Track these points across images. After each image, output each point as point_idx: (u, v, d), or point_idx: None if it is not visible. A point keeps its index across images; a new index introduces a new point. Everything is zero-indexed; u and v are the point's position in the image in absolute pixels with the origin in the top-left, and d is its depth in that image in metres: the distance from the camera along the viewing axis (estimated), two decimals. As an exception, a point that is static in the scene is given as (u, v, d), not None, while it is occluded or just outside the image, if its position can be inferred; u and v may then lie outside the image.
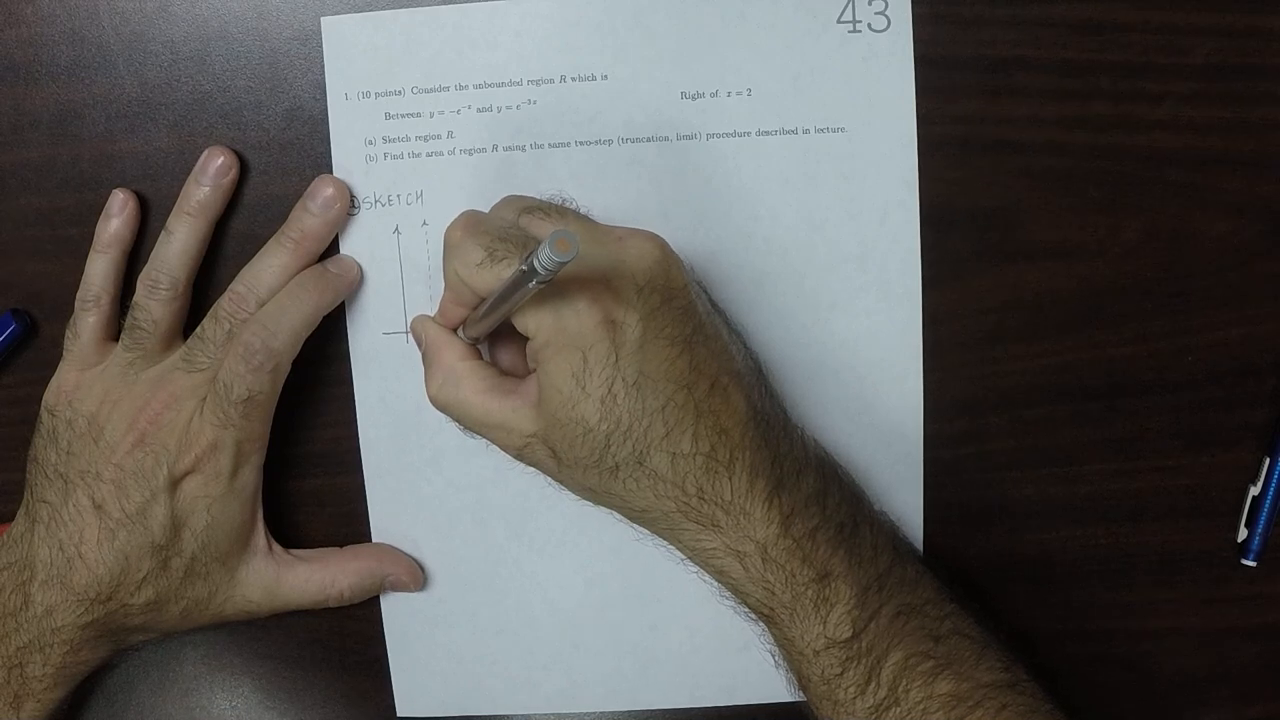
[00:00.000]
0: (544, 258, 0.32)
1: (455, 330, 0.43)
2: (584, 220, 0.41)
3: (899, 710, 0.39)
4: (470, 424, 0.41)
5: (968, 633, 0.41)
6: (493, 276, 0.38)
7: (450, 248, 0.40)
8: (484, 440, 0.41)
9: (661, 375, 0.38)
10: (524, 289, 0.35)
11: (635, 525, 0.41)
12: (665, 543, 0.41)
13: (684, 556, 0.41)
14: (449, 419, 0.42)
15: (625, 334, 0.38)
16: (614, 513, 0.41)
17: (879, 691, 0.39)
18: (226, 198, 0.44)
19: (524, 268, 0.33)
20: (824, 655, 0.39)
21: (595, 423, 0.38)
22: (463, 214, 0.41)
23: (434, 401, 0.42)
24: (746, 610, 0.41)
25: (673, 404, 0.38)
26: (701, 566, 0.41)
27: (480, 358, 0.43)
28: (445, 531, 0.47)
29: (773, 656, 0.42)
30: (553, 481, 0.41)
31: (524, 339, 0.40)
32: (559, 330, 0.38)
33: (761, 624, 0.41)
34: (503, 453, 0.41)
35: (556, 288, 0.36)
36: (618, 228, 0.40)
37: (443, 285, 0.41)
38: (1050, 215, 0.45)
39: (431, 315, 0.44)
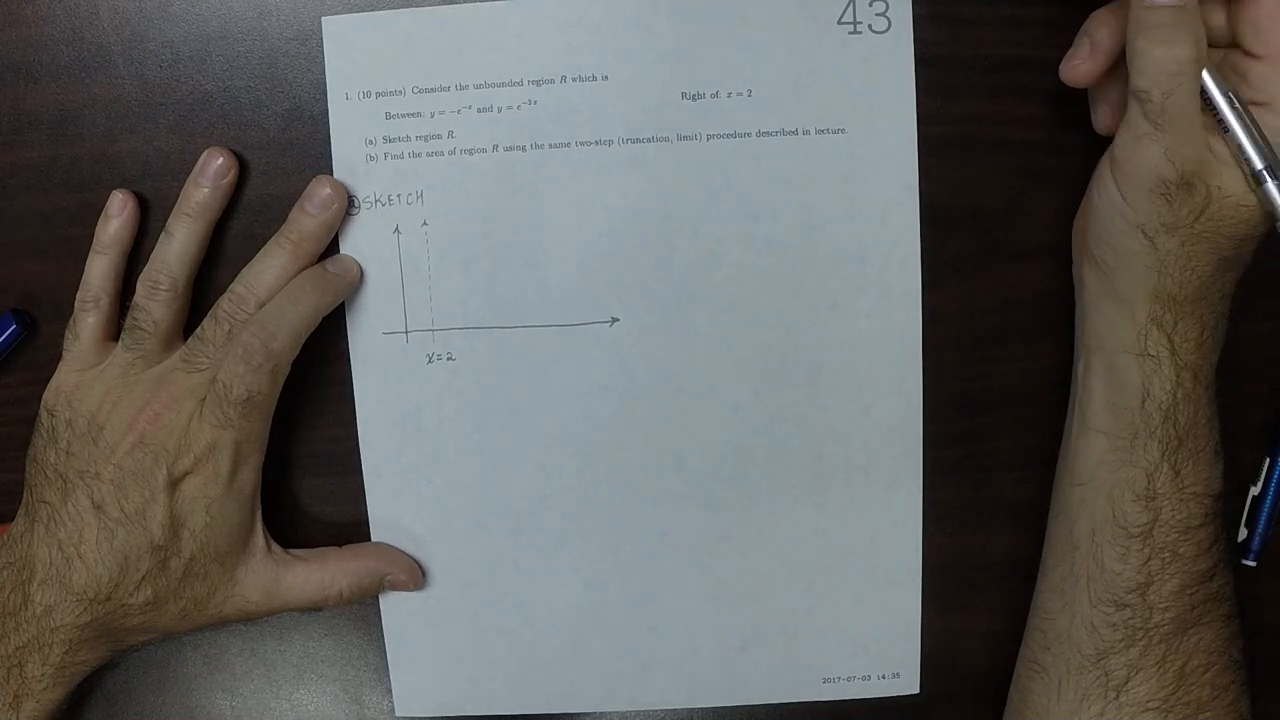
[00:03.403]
0: None
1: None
2: None
3: (1210, 588, 0.41)
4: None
5: None
6: None
7: None
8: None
9: None
10: None
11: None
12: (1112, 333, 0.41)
13: (1117, 348, 0.41)
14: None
15: None
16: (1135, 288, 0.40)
17: (1206, 561, 0.41)
18: (226, 199, 0.44)
19: None
20: (1199, 501, 0.41)
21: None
22: None
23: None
24: (1142, 439, 0.41)
25: None
26: (1121, 376, 0.41)
27: None
28: (445, 531, 0.47)
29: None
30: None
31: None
32: None
33: (1145, 468, 0.41)
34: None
35: None
36: None
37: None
38: (1050, 215, 0.45)
39: None
